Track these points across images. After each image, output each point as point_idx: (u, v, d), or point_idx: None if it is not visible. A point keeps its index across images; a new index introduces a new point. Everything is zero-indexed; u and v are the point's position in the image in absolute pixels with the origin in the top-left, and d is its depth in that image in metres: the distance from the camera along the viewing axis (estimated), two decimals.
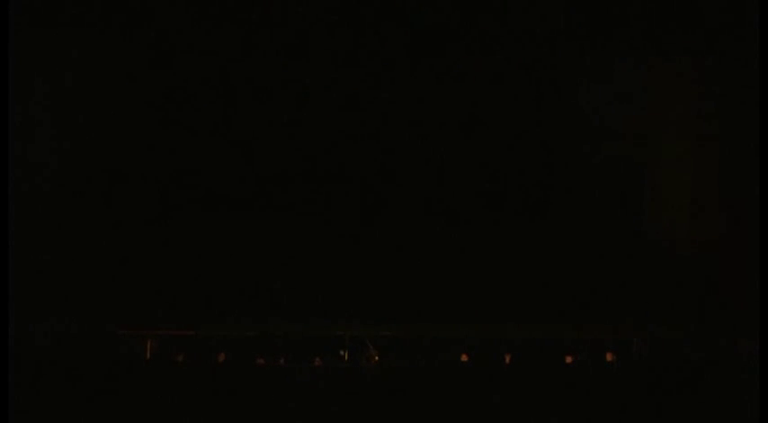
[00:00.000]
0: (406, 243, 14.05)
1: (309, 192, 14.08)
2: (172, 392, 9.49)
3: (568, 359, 10.85)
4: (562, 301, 13.81)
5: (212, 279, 13.67)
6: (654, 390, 9.72)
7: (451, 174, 14.15)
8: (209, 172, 13.96)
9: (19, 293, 11.05)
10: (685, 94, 14.24)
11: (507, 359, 10.95)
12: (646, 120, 14.34)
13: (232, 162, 14.12)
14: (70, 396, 9.39)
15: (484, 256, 14.17)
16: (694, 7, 13.92)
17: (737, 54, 13.84)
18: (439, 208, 14.19)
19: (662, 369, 10.15)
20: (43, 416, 9.27)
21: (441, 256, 14.14)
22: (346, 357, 11.12)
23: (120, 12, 13.63)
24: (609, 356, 10.79)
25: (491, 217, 14.16)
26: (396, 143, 14.05)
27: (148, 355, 11.15)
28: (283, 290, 13.65)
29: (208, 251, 13.83)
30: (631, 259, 14.14)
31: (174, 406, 9.40)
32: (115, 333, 11.75)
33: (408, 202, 14.08)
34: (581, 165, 14.59)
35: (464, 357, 10.90)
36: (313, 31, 13.84)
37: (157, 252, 13.76)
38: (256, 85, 14.04)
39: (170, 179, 13.83)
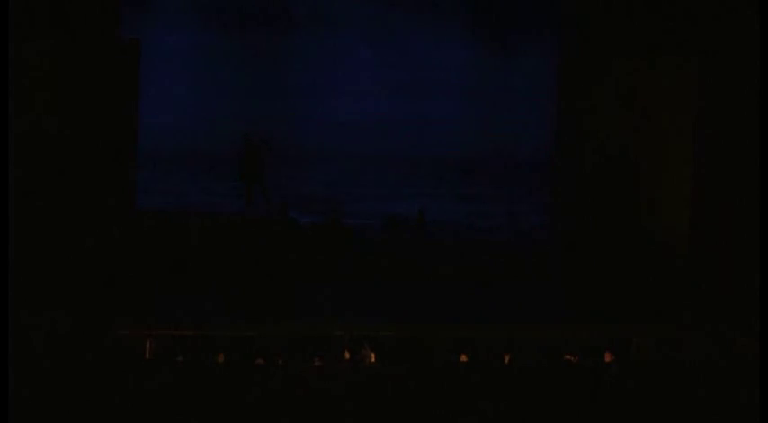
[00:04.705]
0: (405, 243, 14.08)
1: (309, 190, 14.12)
2: (172, 392, 9.50)
3: (568, 359, 10.85)
4: (562, 302, 13.83)
5: (213, 279, 13.71)
6: (653, 390, 9.73)
7: (451, 174, 14.19)
8: (208, 172, 14.00)
9: (19, 294, 11.06)
10: (685, 93, 14.26)
11: (507, 359, 10.94)
12: (645, 119, 14.37)
13: (231, 161, 14.15)
14: (70, 396, 9.40)
15: (484, 256, 14.20)
16: (692, 7, 13.95)
17: (736, 53, 13.86)
18: (439, 207, 14.22)
19: (662, 369, 10.15)
20: (43, 416, 9.28)
21: (440, 257, 14.16)
22: (346, 357, 11.14)
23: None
24: (608, 357, 10.79)
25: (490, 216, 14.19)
26: (394, 142, 14.08)
27: (148, 355, 11.16)
28: (283, 290, 13.68)
29: (207, 251, 13.86)
30: (631, 259, 14.16)
31: (174, 406, 9.41)
32: (115, 333, 11.77)
33: (408, 201, 14.11)
34: (580, 164, 14.62)
35: (464, 357, 10.90)
36: None
37: (158, 252, 13.79)
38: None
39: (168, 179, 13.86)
